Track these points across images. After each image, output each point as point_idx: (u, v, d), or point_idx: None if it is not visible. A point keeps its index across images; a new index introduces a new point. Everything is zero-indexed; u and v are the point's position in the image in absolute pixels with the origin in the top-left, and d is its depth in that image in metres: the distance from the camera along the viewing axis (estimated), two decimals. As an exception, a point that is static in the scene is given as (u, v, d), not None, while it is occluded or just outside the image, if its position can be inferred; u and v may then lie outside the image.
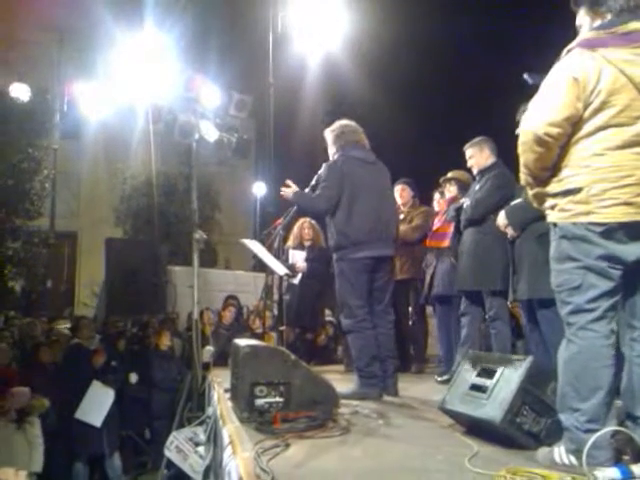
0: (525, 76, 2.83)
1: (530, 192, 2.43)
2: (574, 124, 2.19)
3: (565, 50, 2.27)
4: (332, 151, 4.26)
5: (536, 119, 2.24)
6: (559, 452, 2.20)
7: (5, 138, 12.25)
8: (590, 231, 2.14)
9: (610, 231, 2.13)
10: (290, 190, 4.20)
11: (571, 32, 2.38)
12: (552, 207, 2.29)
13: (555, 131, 2.18)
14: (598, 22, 2.25)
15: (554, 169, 2.27)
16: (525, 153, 2.30)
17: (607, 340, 2.15)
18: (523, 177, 2.40)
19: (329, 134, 4.29)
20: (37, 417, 5.30)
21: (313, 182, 4.37)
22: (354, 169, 4.05)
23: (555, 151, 2.23)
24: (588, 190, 2.15)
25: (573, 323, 2.19)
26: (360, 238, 3.92)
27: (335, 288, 4.11)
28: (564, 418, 2.21)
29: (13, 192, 12.62)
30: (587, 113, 2.17)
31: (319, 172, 4.31)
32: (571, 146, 2.22)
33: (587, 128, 2.18)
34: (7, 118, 12.18)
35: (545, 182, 2.31)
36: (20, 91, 12.06)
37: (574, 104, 2.16)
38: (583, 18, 2.33)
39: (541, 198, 2.36)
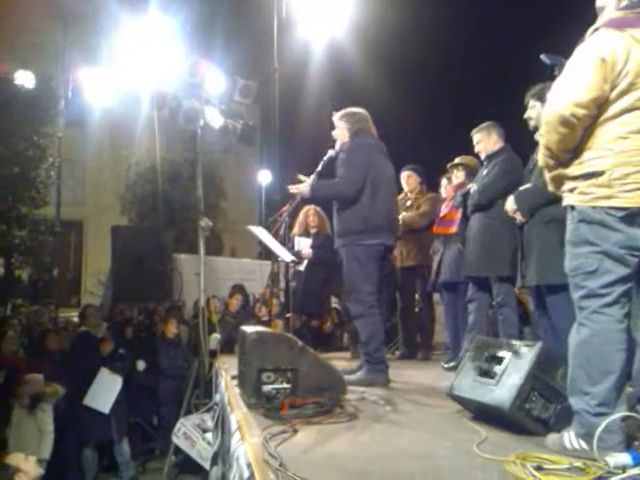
0: (542, 57, 2.78)
1: (548, 174, 2.38)
2: (600, 106, 2.14)
3: (591, 29, 2.22)
4: (342, 137, 4.18)
5: (562, 99, 2.18)
6: (569, 437, 2.18)
7: (10, 126, 12.25)
8: (610, 215, 2.11)
9: (631, 216, 2.09)
10: (303, 185, 4.08)
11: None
12: (571, 190, 2.24)
13: (581, 112, 2.14)
14: (625, 2, 2.20)
15: (576, 151, 2.22)
16: (548, 134, 2.26)
17: (620, 324, 2.12)
18: (543, 159, 2.36)
19: (339, 120, 4.21)
20: (50, 404, 5.34)
21: (319, 168, 4.32)
22: (374, 156, 4.03)
23: (579, 133, 2.18)
24: (610, 174, 2.11)
25: (585, 307, 2.16)
26: (379, 224, 3.92)
27: (342, 274, 4.07)
28: (574, 402, 2.19)
29: (19, 180, 12.66)
30: (613, 95, 2.12)
31: (324, 158, 4.27)
32: (595, 128, 2.17)
33: (612, 110, 2.14)
34: (12, 105, 12.17)
35: (566, 164, 2.26)
36: (24, 78, 12.01)
37: (601, 85, 2.11)
38: None
39: (559, 181, 2.31)
